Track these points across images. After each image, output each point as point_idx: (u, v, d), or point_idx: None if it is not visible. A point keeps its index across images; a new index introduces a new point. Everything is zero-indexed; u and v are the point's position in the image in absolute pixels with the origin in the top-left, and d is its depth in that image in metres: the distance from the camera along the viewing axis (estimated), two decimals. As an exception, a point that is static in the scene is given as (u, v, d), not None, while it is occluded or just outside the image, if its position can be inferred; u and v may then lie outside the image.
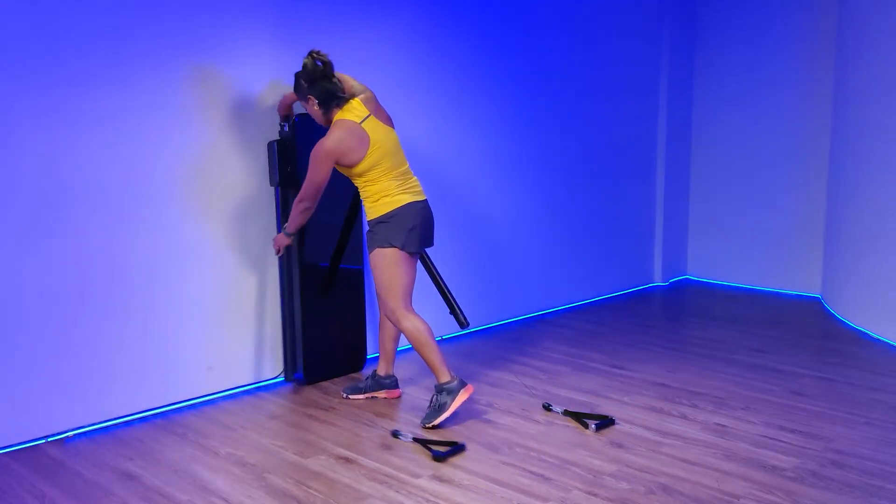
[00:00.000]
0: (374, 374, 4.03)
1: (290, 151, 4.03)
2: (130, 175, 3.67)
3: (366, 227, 3.75)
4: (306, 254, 4.11)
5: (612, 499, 2.92)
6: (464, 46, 4.96)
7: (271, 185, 4.09)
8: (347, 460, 3.28)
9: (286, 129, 4.04)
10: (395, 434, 3.53)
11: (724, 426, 3.58)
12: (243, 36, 3.99)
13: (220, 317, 4.03)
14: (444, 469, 3.19)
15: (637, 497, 2.93)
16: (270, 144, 4.05)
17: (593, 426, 3.57)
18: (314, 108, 3.63)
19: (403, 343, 4.31)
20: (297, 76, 3.65)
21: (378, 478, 3.12)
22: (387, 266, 3.62)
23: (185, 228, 3.86)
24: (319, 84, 3.58)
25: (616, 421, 3.66)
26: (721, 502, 2.88)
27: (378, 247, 3.62)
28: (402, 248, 3.59)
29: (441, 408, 3.58)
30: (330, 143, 3.51)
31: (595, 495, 2.95)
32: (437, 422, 3.57)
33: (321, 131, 4.12)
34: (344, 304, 4.30)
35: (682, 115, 6.46)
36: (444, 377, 3.61)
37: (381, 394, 4.00)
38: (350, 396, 4.00)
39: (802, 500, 2.89)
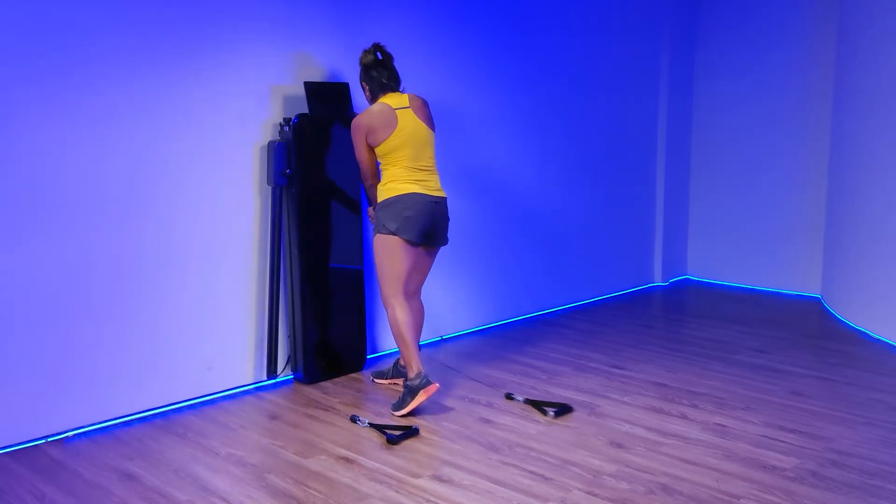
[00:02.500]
0: (397, 362, 4.17)
1: (289, 152, 4.03)
2: (129, 174, 3.67)
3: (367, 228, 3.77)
4: (306, 254, 4.11)
5: (612, 499, 2.92)
6: (463, 47, 4.96)
7: (268, 184, 4.09)
8: (347, 460, 3.28)
9: (286, 129, 4.04)
10: (354, 419, 3.67)
11: (724, 426, 3.58)
12: (245, 35, 3.99)
13: (220, 317, 4.03)
14: (444, 469, 3.19)
15: (637, 497, 2.93)
16: (270, 144, 4.05)
17: (552, 413, 3.71)
18: (367, 94, 3.88)
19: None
20: (359, 63, 3.89)
21: (378, 478, 3.12)
22: (382, 251, 3.79)
23: (184, 228, 3.86)
24: (372, 73, 3.82)
25: (573, 408, 3.80)
26: (721, 502, 2.88)
27: (377, 231, 3.80)
28: (395, 234, 3.72)
29: (403, 402, 3.73)
30: (359, 117, 3.81)
31: (595, 495, 2.95)
32: (398, 413, 3.73)
33: (321, 134, 4.13)
34: (344, 305, 4.30)
35: (682, 115, 6.46)
36: (411, 373, 3.74)
37: (402, 381, 4.07)
38: (376, 380, 4.20)
39: (802, 500, 2.89)
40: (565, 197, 5.72)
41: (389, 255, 3.76)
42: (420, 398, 3.67)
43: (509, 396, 3.93)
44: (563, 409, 3.77)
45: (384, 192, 3.78)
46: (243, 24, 3.98)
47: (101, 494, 3.02)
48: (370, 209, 4.00)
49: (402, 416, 3.71)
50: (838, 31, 5.54)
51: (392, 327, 3.79)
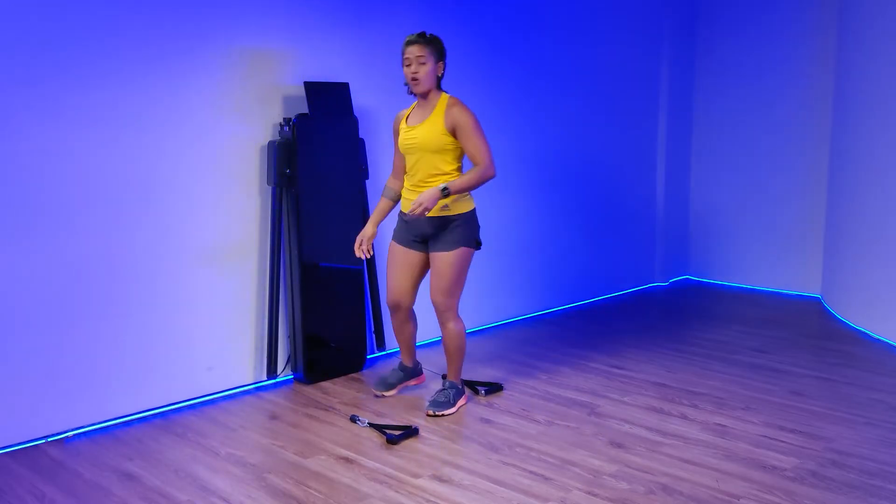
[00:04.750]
0: (402, 365, 4.07)
1: (289, 152, 4.03)
2: (129, 174, 3.67)
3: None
4: (306, 254, 4.11)
5: (612, 499, 2.92)
6: (464, 48, 4.96)
7: (268, 184, 4.09)
8: (347, 460, 3.28)
9: (286, 129, 4.04)
10: (354, 419, 3.67)
11: (724, 426, 3.58)
12: (245, 35, 3.99)
13: (220, 317, 4.03)
14: (445, 469, 3.19)
15: (637, 497, 2.93)
16: (270, 144, 4.05)
17: (483, 391, 4.00)
18: (438, 73, 3.61)
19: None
20: (439, 40, 3.63)
21: (378, 478, 3.12)
22: (464, 266, 3.70)
23: (184, 228, 3.86)
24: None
25: (504, 387, 4.07)
26: (721, 502, 2.88)
27: (465, 245, 3.67)
28: (478, 249, 3.76)
29: (449, 404, 3.77)
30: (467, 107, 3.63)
31: (595, 495, 2.95)
32: (449, 411, 3.76)
33: (321, 134, 4.12)
34: (344, 305, 4.30)
35: (682, 115, 6.46)
36: (459, 379, 3.86)
37: (412, 382, 4.12)
38: (385, 394, 4.01)
39: (802, 500, 2.89)
40: (565, 197, 5.72)
41: (466, 269, 3.72)
42: (463, 401, 3.87)
43: (445, 376, 4.01)
44: (493, 388, 4.05)
45: (468, 202, 3.67)
46: (243, 23, 3.98)
47: (101, 494, 3.02)
48: (437, 191, 3.49)
49: (445, 413, 3.74)
50: (838, 31, 5.54)
51: (458, 340, 3.76)
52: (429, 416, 3.72)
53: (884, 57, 4.82)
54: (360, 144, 4.31)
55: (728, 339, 4.94)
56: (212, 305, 3.99)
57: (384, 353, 4.66)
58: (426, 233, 3.68)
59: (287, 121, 4.05)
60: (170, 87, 3.75)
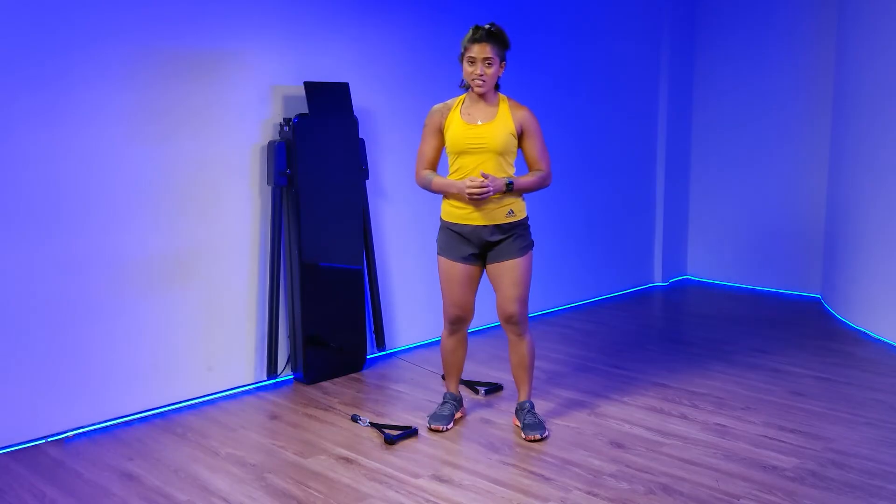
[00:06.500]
0: (451, 395, 3.70)
1: (290, 152, 4.03)
2: (129, 174, 3.67)
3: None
4: (306, 254, 4.11)
5: (612, 499, 2.92)
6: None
7: (268, 184, 4.09)
8: (347, 460, 3.28)
9: (286, 129, 4.04)
10: (355, 419, 3.67)
11: (724, 426, 3.58)
12: (245, 35, 3.99)
13: (220, 317, 4.03)
14: (444, 469, 3.19)
15: (637, 497, 2.93)
16: (270, 144, 4.05)
17: (482, 391, 3.99)
18: (499, 73, 3.36)
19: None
20: (504, 35, 3.38)
21: (378, 478, 3.12)
22: (530, 271, 3.46)
23: (184, 228, 3.86)
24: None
25: (503, 387, 4.03)
26: (721, 502, 2.88)
27: (530, 249, 3.45)
28: None
29: (544, 425, 3.51)
30: None
31: (595, 495, 2.95)
32: (547, 433, 3.49)
33: (321, 134, 4.12)
34: (344, 305, 4.29)
35: (682, 114, 6.46)
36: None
37: (458, 414, 3.70)
38: (447, 427, 3.57)
39: (802, 500, 2.89)
40: (565, 197, 5.71)
41: None
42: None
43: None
44: (492, 388, 4.03)
45: (525, 206, 3.43)
46: (244, 23, 3.98)
47: (101, 494, 3.02)
48: (503, 183, 3.32)
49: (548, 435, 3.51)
50: (838, 31, 5.54)
51: (532, 353, 3.53)
52: (529, 440, 3.43)
53: (884, 57, 4.82)
54: (360, 144, 4.31)
55: (728, 339, 4.94)
56: (212, 305, 3.99)
57: (384, 352, 4.66)
58: (489, 241, 3.38)
59: (287, 121, 4.05)
60: (171, 88, 3.75)
